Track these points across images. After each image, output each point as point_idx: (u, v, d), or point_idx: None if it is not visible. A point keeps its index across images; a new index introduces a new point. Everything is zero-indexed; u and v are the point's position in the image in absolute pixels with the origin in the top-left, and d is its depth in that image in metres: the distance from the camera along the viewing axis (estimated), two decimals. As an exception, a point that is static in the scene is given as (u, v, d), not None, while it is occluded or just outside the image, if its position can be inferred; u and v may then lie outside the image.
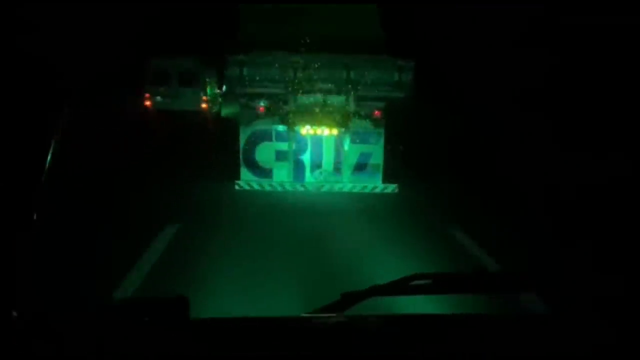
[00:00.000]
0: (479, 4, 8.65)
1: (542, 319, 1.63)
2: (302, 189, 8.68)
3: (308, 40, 8.12)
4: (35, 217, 1.27)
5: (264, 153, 8.77)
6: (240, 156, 8.74)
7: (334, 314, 1.53)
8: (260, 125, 8.75)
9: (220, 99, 17.06)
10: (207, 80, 15.50)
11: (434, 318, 1.54)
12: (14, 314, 1.18)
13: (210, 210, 7.35)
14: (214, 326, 1.39)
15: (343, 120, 8.57)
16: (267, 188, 8.61)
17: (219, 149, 9.30)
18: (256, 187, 8.62)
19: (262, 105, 8.72)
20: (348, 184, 8.70)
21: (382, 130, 8.75)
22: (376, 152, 8.77)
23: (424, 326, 1.43)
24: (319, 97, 8.50)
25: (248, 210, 7.54)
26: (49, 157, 1.31)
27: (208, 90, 15.46)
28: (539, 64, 8.27)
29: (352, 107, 8.57)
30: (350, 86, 8.51)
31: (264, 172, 8.77)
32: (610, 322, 1.36)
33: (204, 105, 15.54)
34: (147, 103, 15.07)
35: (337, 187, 8.68)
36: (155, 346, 1.24)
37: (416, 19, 8.51)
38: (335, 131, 8.58)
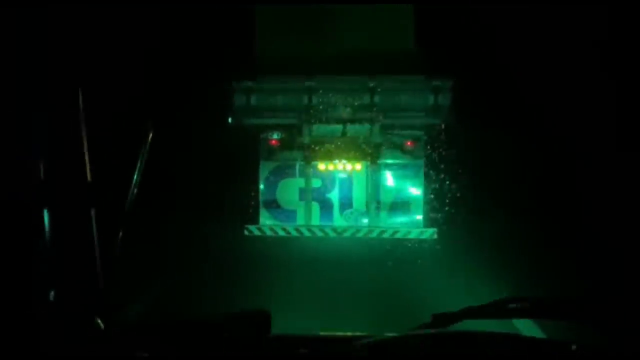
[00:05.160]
0: (531, 12, 7.25)
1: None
2: (321, 234, 7.42)
3: (327, 60, 6.94)
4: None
5: (285, 192, 7.67)
6: (260, 197, 7.65)
7: (428, 333, 1.52)
8: (279, 162, 7.66)
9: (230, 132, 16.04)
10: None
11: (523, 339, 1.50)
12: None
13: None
14: (296, 343, 1.42)
15: (373, 153, 7.36)
16: (281, 233, 7.38)
17: (232, 189, 8.20)
18: (268, 233, 7.41)
19: (275, 137, 7.58)
20: (377, 227, 7.40)
21: (420, 162, 7.50)
22: (414, 189, 7.52)
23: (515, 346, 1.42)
24: (340, 126, 7.28)
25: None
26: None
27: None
28: (611, 82, 6.73)
29: (379, 137, 7.30)
30: (376, 113, 7.22)
31: (286, 214, 7.63)
32: None
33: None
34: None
35: (362, 232, 7.40)
36: None
37: (454, 30, 7.15)
38: (359, 166, 7.37)
